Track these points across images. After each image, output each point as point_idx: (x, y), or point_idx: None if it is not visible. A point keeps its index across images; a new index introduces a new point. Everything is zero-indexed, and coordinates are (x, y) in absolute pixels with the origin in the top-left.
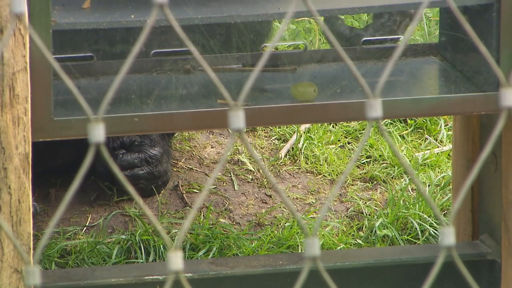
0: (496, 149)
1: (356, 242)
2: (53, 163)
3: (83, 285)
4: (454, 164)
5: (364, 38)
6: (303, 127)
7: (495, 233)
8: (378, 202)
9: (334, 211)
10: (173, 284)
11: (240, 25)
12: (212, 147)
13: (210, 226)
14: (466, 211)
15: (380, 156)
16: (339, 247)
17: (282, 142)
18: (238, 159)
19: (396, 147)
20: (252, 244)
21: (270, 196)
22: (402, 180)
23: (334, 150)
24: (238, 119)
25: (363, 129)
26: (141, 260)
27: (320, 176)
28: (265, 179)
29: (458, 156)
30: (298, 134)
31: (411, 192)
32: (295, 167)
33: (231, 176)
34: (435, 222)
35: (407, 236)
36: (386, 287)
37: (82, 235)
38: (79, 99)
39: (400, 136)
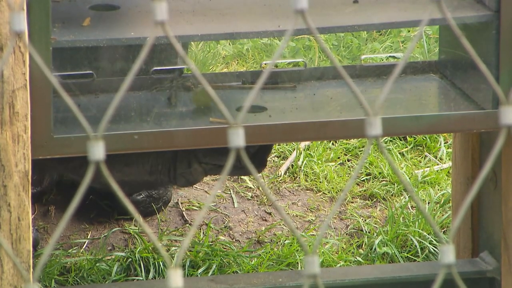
0: (495, 166)
1: (355, 259)
2: None
3: None
4: (454, 181)
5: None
6: (303, 144)
7: (495, 250)
8: (378, 220)
9: (334, 228)
10: None
11: None
12: None
13: (210, 243)
14: (466, 228)
15: (379, 173)
16: (338, 265)
17: (281, 160)
18: (238, 176)
19: (396, 165)
20: (252, 261)
21: (270, 214)
22: (401, 197)
23: (333, 168)
24: (237, 136)
25: (363, 147)
26: (141, 278)
27: (320, 193)
28: (265, 197)
29: (458, 174)
30: (298, 151)
31: (411, 209)
32: (294, 185)
33: (231, 193)
34: (435, 240)
35: (407, 253)
36: None
37: (82, 253)
38: (79, 116)
39: (399, 153)
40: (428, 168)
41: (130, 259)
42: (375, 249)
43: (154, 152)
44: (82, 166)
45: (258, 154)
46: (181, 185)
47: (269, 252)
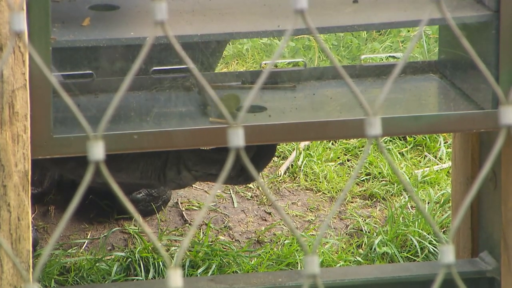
0: (495, 166)
1: (355, 259)
2: None
3: None
4: (454, 181)
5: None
6: (303, 144)
7: (495, 250)
8: (378, 220)
9: (334, 228)
10: None
11: None
12: None
13: (210, 243)
14: (466, 228)
15: (379, 173)
16: (338, 264)
17: (281, 159)
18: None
19: (396, 165)
20: (251, 261)
21: (270, 214)
22: (401, 197)
23: (333, 167)
24: (237, 136)
25: (363, 147)
26: (141, 278)
27: (320, 193)
28: (265, 197)
29: (458, 174)
30: (298, 151)
31: (411, 209)
32: (294, 185)
33: (230, 193)
34: (435, 240)
35: (407, 253)
36: None
37: (81, 253)
38: (79, 116)
39: (399, 153)
40: (428, 168)
41: (130, 259)
42: (374, 249)
43: (143, 160)
44: (79, 167)
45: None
46: (172, 189)
47: (269, 252)
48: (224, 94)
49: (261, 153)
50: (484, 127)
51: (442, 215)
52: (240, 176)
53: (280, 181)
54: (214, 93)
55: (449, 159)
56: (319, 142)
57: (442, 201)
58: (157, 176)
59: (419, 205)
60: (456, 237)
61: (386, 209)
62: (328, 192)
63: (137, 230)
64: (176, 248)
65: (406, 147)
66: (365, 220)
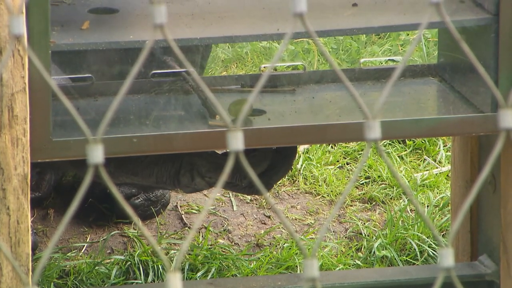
0: (494, 170)
1: (355, 262)
2: None
3: None
4: (453, 185)
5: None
6: (302, 147)
7: (494, 254)
8: (377, 223)
9: (333, 231)
10: None
11: None
12: None
13: (209, 246)
14: (465, 232)
15: (379, 176)
16: (338, 268)
17: None
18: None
19: (395, 168)
20: (251, 264)
21: (269, 217)
22: (401, 200)
23: (333, 171)
24: (236, 140)
25: (362, 150)
26: (140, 281)
27: (319, 196)
28: (264, 200)
29: (457, 177)
30: (297, 154)
31: (410, 213)
32: (294, 188)
33: (230, 196)
34: (434, 243)
35: (406, 257)
36: None
37: (81, 256)
38: (78, 120)
39: (398, 156)
40: (427, 172)
41: (129, 263)
42: (374, 252)
43: (157, 166)
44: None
45: (262, 178)
46: (188, 193)
47: (268, 255)
48: (236, 99)
49: (275, 167)
50: (483, 131)
51: (442, 218)
52: (252, 187)
53: (280, 185)
54: (213, 96)
55: (448, 162)
56: (318, 145)
57: (441, 205)
58: (171, 182)
59: (419, 208)
60: (455, 240)
61: (385, 212)
62: (328, 196)
63: (136, 234)
64: (175, 251)
65: (406, 150)
66: (364, 223)
